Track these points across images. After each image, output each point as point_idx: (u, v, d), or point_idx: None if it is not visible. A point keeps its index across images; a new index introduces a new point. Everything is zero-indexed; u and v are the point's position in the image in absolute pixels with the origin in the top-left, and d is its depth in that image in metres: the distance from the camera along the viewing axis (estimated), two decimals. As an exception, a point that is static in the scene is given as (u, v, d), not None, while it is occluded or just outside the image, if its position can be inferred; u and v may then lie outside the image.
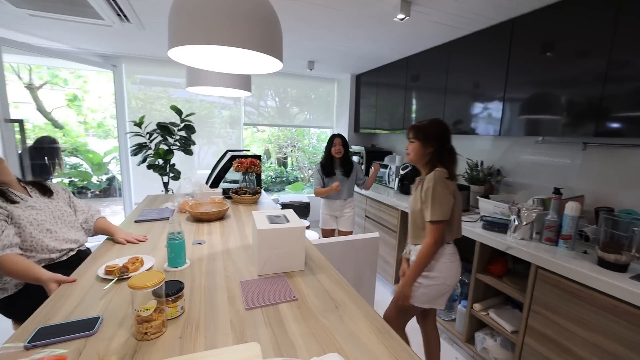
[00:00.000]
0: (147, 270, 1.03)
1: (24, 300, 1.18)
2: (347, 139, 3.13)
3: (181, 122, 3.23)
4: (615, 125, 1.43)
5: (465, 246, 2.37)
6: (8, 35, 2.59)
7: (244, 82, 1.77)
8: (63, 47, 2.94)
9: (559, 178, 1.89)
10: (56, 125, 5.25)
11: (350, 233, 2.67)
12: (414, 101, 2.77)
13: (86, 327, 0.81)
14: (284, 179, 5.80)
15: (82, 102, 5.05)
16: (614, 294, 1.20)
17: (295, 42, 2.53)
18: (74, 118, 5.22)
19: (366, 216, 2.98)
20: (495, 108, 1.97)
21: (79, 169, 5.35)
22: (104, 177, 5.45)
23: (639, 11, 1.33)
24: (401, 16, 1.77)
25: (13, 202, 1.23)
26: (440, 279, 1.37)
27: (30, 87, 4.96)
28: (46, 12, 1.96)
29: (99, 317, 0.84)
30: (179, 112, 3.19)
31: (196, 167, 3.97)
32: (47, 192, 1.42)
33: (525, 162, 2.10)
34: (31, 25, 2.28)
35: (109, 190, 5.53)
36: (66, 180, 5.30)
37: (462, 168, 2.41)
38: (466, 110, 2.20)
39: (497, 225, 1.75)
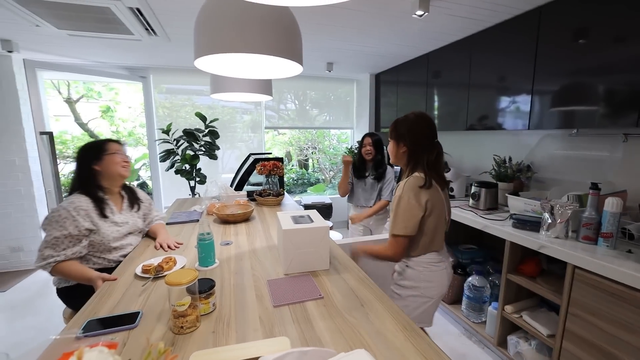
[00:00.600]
0: (181, 268, 1.09)
1: (82, 290, 1.29)
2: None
3: (205, 128, 3.36)
4: (659, 114, 1.33)
5: (493, 246, 2.29)
6: (48, 54, 2.82)
7: (265, 86, 1.82)
8: (97, 63, 3.15)
9: (596, 173, 1.78)
10: (92, 135, 5.61)
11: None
12: (436, 98, 2.71)
13: (129, 320, 0.86)
14: (306, 180, 5.84)
15: (115, 112, 5.37)
16: (663, 295, 1.12)
17: (314, 44, 2.56)
18: (107, 128, 5.57)
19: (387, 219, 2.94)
20: (523, 101, 1.89)
21: (113, 176, 5.68)
22: (135, 183, 5.76)
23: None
24: (420, 12, 1.75)
25: (104, 216, 1.33)
26: (420, 289, 1.22)
27: (69, 101, 5.35)
28: (84, 32, 2.11)
29: (139, 312, 0.90)
30: (203, 118, 3.32)
31: (220, 171, 4.09)
32: (134, 204, 1.53)
33: (558, 156, 1.99)
34: (69, 44, 2.46)
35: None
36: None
37: (488, 165, 2.33)
38: (491, 105, 2.13)
39: (529, 224, 1.67)
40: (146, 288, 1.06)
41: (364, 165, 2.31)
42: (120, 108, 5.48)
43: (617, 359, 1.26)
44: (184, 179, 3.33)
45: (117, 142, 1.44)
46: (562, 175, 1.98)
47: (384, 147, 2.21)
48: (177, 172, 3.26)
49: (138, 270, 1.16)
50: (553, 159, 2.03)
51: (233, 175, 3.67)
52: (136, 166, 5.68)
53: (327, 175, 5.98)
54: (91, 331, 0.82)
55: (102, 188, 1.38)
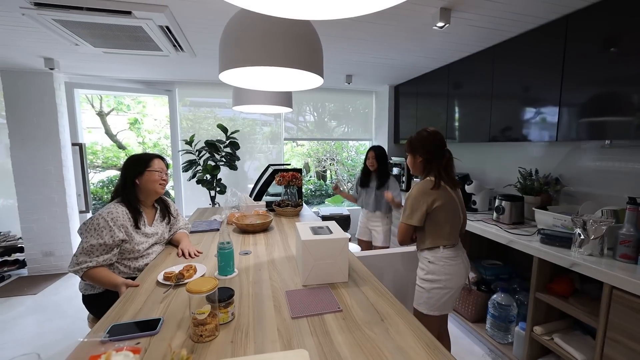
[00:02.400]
0: (201, 277, 1.10)
1: (105, 300, 1.33)
2: (386, 150, 3.21)
3: (227, 139, 3.46)
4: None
5: (519, 262, 2.18)
6: (84, 71, 3.03)
7: (285, 99, 1.86)
8: (127, 78, 3.35)
9: (633, 186, 1.67)
10: (120, 146, 5.92)
11: (385, 248, 2.56)
12: (456, 109, 2.67)
13: (150, 327, 0.88)
14: (324, 192, 5.85)
15: (142, 124, 5.65)
16: None
17: (334, 57, 2.60)
18: (134, 139, 5.85)
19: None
20: (550, 112, 1.82)
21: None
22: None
23: None
24: (440, 24, 1.74)
25: (137, 227, 1.40)
26: (442, 282, 1.41)
27: (101, 114, 5.69)
28: (117, 49, 2.26)
29: (160, 319, 0.92)
30: (224, 130, 3.43)
31: (239, 181, 4.16)
32: (166, 217, 1.61)
33: (590, 169, 1.89)
34: (103, 60, 2.64)
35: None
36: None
37: (513, 177, 2.25)
38: (515, 116, 2.06)
39: (559, 240, 1.58)
40: (167, 295, 1.08)
41: (368, 176, 2.56)
42: (146, 120, 5.77)
43: (665, 391, 1.14)
44: (204, 188, 3.42)
45: (161, 158, 1.52)
46: (594, 189, 1.87)
47: (388, 159, 2.61)
48: (198, 182, 3.35)
49: (160, 278, 1.19)
50: (584, 172, 1.92)
51: (252, 185, 3.74)
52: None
53: (345, 187, 5.96)
54: (115, 335, 0.84)
55: (139, 200, 1.45)
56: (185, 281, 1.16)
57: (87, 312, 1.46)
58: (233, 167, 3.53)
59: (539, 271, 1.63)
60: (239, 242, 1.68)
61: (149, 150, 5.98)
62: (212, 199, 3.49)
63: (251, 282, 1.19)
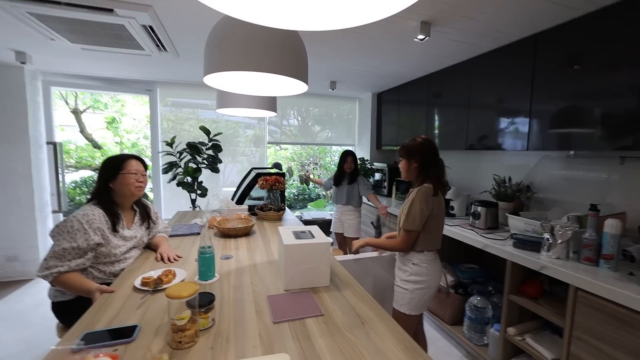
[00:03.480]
0: (181, 282, 1.08)
1: (77, 307, 1.27)
2: (368, 155, 3.81)
3: (209, 142, 3.40)
4: (655, 138, 1.36)
5: (494, 266, 2.28)
6: (59, 67, 2.90)
7: (270, 103, 1.86)
8: (106, 76, 3.24)
9: (595, 194, 1.79)
10: (95, 145, 5.68)
11: (356, 239, 2.78)
12: (436, 117, 2.76)
13: (126, 334, 0.85)
14: (306, 196, 5.84)
15: (120, 124, 5.45)
16: (667, 320, 1.10)
17: (319, 64, 2.64)
18: (112, 139, 5.63)
19: (389, 233, 2.93)
20: (522, 122, 1.93)
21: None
22: (136, 194, 5.75)
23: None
24: (421, 37, 1.82)
25: (115, 230, 1.35)
26: (425, 282, 1.48)
27: (76, 112, 5.45)
28: (97, 46, 2.19)
29: (136, 326, 0.89)
30: (207, 132, 3.37)
31: (221, 184, 4.10)
32: (146, 221, 1.55)
33: (557, 177, 2.01)
34: (81, 57, 2.54)
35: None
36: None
37: (488, 184, 2.35)
38: (491, 125, 2.17)
39: (530, 244, 1.67)
40: (145, 301, 1.05)
41: (342, 176, 2.93)
42: (125, 119, 5.57)
43: (623, 386, 1.22)
44: (184, 191, 3.34)
45: (138, 159, 1.46)
46: (561, 196, 1.99)
47: (357, 162, 3.00)
48: (179, 184, 3.27)
49: (137, 283, 1.15)
50: (552, 180, 2.05)
51: (234, 188, 3.69)
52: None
53: (327, 192, 5.99)
54: (89, 344, 0.80)
55: (116, 203, 1.40)
56: (164, 286, 1.13)
57: (55, 321, 1.39)
58: (215, 170, 3.46)
59: (512, 274, 1.71)
60: (220, 246, 1.65)
61: (127, 151, 5.77)
62: (193, 202, 3.41)
63: (232, 287, 1.17)
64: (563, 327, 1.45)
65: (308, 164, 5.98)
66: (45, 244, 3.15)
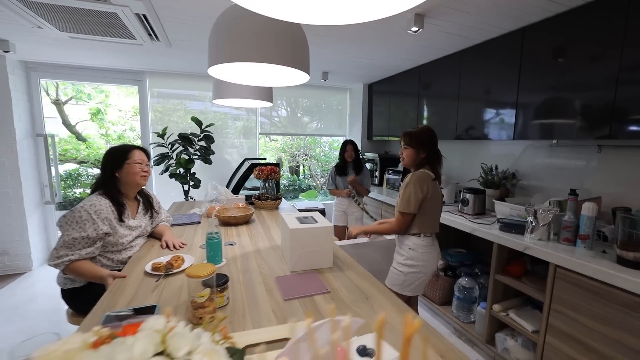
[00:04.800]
0: (199, 263, 1.12)
1: (87, 293, 1.30)
2: (360, 146, 3.80)
3: (201, 133, 3.39)
4: (629, 127, 1.48)
5: (480, 249, 2.41)
6: (44, 56, 2.81)
7: (266, 93, 1.89)
8: (93, 65, 3.15)
9: (574, 180, 1.93)
10: (79, 138, 5.51)
11: None
12: (426, 108, 2.85)
13: (146, 313, 0.90)
14: (297, 187, 5.90)
15: (105, 115, 5.30)
16: (635, 290, 1.23)
17: (313, 54, 2.65)
18: (97, 131, 5.48)
19: (382, 221, 3.03)
20: (508, 113, 2.04)
21: (100, 180, 5.58)
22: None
23: (646, 19, 1.40)
24: (415, 29, 1.87)
25: (121, 220, 1.37)
26: (419, 267, 1.56)
27: (57, 102, 5.25)
28: (86, 35, 2.14)
29: (156, 305, 0.94)
30: (199, 123, 3.35)
31: (210, 175, 4.07)
32: (149, 210, 1.58)
33: (540, 165, 2.14)
34: (68, 46, 2.47)
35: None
36: (88, 191, 5.53)
37: (476, 172, 2.47)
38: (479, 116, 2.27)
39: (514, 227, 1.79)
40: (159, 284, 1.09)
41: (345, 165, 2.95)
42: (110, 111, 5.42)
43: (596, 350, 1.37)
44: (175, 182, 3.33)
45: (142, 150, 1.49)
46: (544, 183, 2.12)
47: (359, 151, 3.02)
48: (171, 175, 3.26)
49: (148, 268, 1.19)
50: (536, 168, 2.17)
51: (224, 179, 3.70)
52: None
53: (318, 182, 6.06)
54: (110, 323, 0.85)
55: (121, 193, 1.41)
56: (175, 270, 1.18)
57: (51, 313, 1.41)
58: (207, 161, 3.46)
59: (498, 255, 1.83)
60: (222, 234, 1.69)
61: (113, 143, 5.62)
62: (186, 193, 3.41)
63: (240, 271, 1.23)
64: (543, 301, 1.58)
65: (298, 155, 6.01)
66: (35, 237, 3.10)
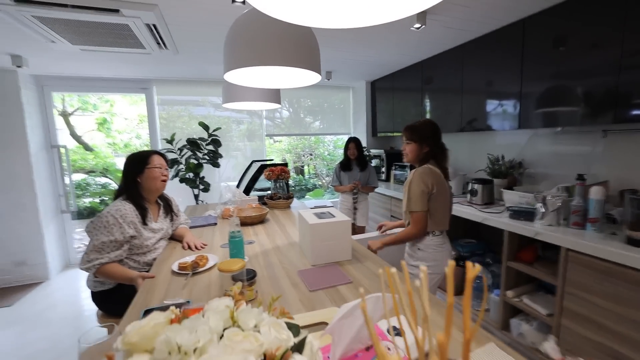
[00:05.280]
0: (228, 260, 1.18)
1: (117, 295, 1.35)
2: (365, 142, 3.81)
3: (209, 137, 3.45)
4: (633, 111, 1.51)
5: (489, 239, 2.45)
6: (53, 67, 2.88)
7: (274, 95, 1.94)
8: (101, 75, 3.22)
9: (581, 166, 1.96)
10: (87, 148, 5.60)
11: (364, 228, 3.06)
12: (430, 102, 2.89)
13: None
14: (303, 186, 5.95)
15: (111, 124, 5.38)
16: (646, 269, 1.27)
17: (315, 55, 2.70)
18: (103, 140, 5.56)
19: (392, 216, 3.07)
20: (512, 104, 2.07)
21: (109, 188, 5.67)
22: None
23: (645, 5, 1.43)
24: (417, 25, 1.91)
25: (145, 223, 1.43)
26: (431, 268, 1.49)
27: (64, 114, 5.34)
28: (97, 47, 2.20)
29: (189, 301, 0.99)
30: (206, 127, 3.41)
31: (217, 180, 4.12)
32: (169, 213, 1.64)
33: (546, 152, 2.18)
34: (79, 58, 2.53)
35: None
36: (97, 200, 5.62)
37: (482, 163, 2.50)
38: (483, 107, 2.31)
39: (524, 214, 1.83)
40: (187, 282, 1.15)
41: (349, 162, 3.02)
42: (115, 120, 5.50)
43: (610, 329, 1.40)
44: (186, 187, 3.39)
45: (161, 155, 1.54)
46: (550, 170, 2.15)
47: (362, 148, 3.06)
48: (181, 180, 3.32)
49: (175, 267, 1.25)
50: (541, 156, 2.21)
51: (231, 183, 3.76)
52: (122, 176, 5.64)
53: (323, 181, 6.10)
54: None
55: (143, 197, 1.47)
56: (201, 269, 1.23)
57: (72, 319, 1.48)
58: (216, 165, 3.53)
59: (509, 243, 1.87)
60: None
61: (120, 152, 5.70)
62: (196, 197, 3.47)
63: (263, 266, 1.28)
64: (556, 285, 1.62)
65: (304, 155, 6.06)
66: (52, 246, 3.18)
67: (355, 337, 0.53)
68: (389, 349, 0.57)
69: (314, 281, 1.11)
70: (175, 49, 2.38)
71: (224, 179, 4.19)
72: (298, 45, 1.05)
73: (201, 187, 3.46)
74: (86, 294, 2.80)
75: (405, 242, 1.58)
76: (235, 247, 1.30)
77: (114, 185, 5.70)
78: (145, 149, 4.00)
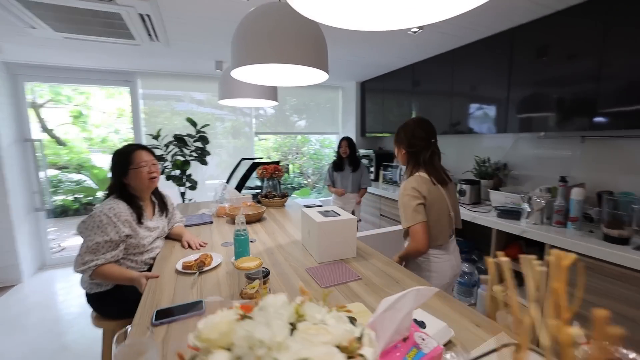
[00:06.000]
0: (245, 257, 1.16)
1: (115, 296, 1.30)
2: (354, 142, 3.67)
3: (197, 134, 3.36)
4: (609, 119, 1.65)
5: (475, 238, 2.57)
6: (29, 55, 2.69)
7: (272, 92, 1.93)
8: (82, 66, 3.05)
9: (561, 169, 2.10)
10: (59, 142, 5.27)
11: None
12: (419, 105, 2.97)
13: (195, 308, 0.93)
14: (288, 185, 5.92)
15: (88, 118, 5.09)
16: (621, 263, 1.40)
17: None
18: (78, 134, 5.25)
19: (381, 215, 3.14)
20: (500, 109, 2.18)
21: (83, 185, 5.37)
22: (109, 192, 5.43)
23: (626, 17, 1.55)
24: (415, 29, 1.97)
25: (140, 222, 1.37)
26: (432, 279, 1.35)
27: (34, 106, 4.99)
28: (83, 35, 2.08)
29: (201, 301, 0.97)
30: (193, 123, 3.32)
31: (200, 177, 4.01)
32: (164, 210, 1.58)
33: (529, 156, 2.31)
34: (60, 47, 2.39)
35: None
36: (70, 197, 5.30)
37: (469, 165, 2.62)
38: (471, 112, 2.41)
39: (511, 213, 1.94)
40: (195, 281, 1.13)
41: (341, 161, 3.07)
42: (92, 113, 5.21)
43: (589, 320, 1.52)
44: (172, 184, 3.28)
45: (146, 149, 1.45)
46: (532, 172, 2.29)
47: (355, 148, 3.13)
48: (168, 178, 3.22)
49: (179, 267, 1.22)
50: (525, 158, 2.34)
51: (216, 181, 3.70)
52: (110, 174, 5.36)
53: (308, 180, 6.11)
54: (162, 319, 0.88)
55: (135, 196, 1.41)
56: (206, 268, 1.21)
57: (51, 323, 1.40)
58: (203, 162, 3.44)
59: (497, 240, 1.97)
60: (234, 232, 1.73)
61: (96, 147, 5.39)
62: (182, 195, 3.37)
63: (270, 265, 1.28)
64: (541, 279, 1.73)
65: (290, 154, 6.04)
66: (25, 247, 2.97)
67: (396, 330, 0.55)
68: (422, 339, 0.60)
69: (325, 278, 1.13)
70: (166, 41, 2.31)
71: (207, 177, 4.09)
72: (315, 44, 1.06)
73: (188, 184, 3.36)
74: (65, 297, 2.65)
75: (412, 258, 1.39)
76: (241, 245, 1.29)
77: (89, 183, 5.41)
78: (124, 144, 3.83)
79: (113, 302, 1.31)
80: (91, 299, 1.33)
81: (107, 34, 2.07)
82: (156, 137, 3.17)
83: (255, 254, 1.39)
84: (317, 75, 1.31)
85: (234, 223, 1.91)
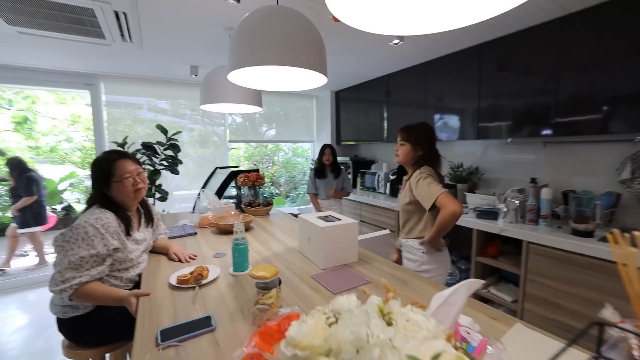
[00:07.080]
0: (260, 265, 1.09)
1: (95, 320, 1.14)
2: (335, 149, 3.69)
3: (167, 141, 3.16)
4: (567, 127, 1.85)
5: (453, 238, 2.70)
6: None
7: (256, 98, 1.88)
8: (36, 66, 2.74)
9: (527, 171, 2.30)
10: (-3, 152, 4.64)
11: None
12: (394, 115, 3.10)
13: (204, 324, 0.86)
14: (260, 194, 5.78)
15: (35, 124, 4.56)
16: (589, 253, 1.55)
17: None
18: (22, 143, 4.67)
19: (362, 220, 3.18)
20: (471, 117, 2.35)
21: (27, 200, 4.75)
22: (59, 207, 4.88)
23: (576, 37, 1.77)
24: (396, 41, 2.07)
25: (128, 234, 1.24)
26: (435, 270, 1.48)
27: (-35, 110, 4.37)
28: (42, 31, 1.88)
29: (210, 316, 0.90)
30: (164, 131, 3.12)
31: (166, 188, 3.77)
32: (150, 221, 1.44)
33: (498, 160, 2.51)
34: (10, 42, 2.13)
35: (67, 221, 4.96)
36: (9, 214, 4.66)
37: (445, 170, 2.76)
38: (445, 120, 2.57)
39: (489, 214, 2.07)
40: (196, 296, 1.04)
41: (324, 168, 3.05)
42: (38, 119, 4.67)
43: (564, 307, 1.66)
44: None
45: (130, 158, 1.30)
46: (502, 175, 2.48)
47: (336, 156, 3.12)
48: (135, 188, 2.96)
49: (173, 281, 1.12)
50: (494, 163, 2.54)
51: (183, 192, 3.53)
52: (60, 187, 4.84)
53: (281, 190, 6.02)
54: (168, 339, 0.79)
55: (121, 206, 1.27)
56: (205, 281, 1.12)
57: (19, 347, 1.20)
58: (175, 172, 3.23)
59: (477, 240, 2.09)
60: (223, 242, 1.64)
61: (43, 157, 4.82)
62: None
63: (271, 274, 1.22)
64: (519, 274, 1.86)
65: (262, 163, 5.92)
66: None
67: (450, 325, 0.55)
68: (468, 332, 0.61)
69: (334, 284, 1.10)
70: (140, 42, 2.17)
71: (174, 188, 3.86)
72: (320, 48, 1.06)
73: (157, 195, 3.13)
74: (5, 328, 2.28)
75: (448, 228, 1.38)
76: (241, 255, 1.23)
77: (33, 197, 4.80)
78: (78, 153, 3.48)
79: (94, 327, 1.15)
80: (64, 325, 1.16)
81: (75, 31, 1.89)
82: (122, 146, 2.93)
83: (252, 263, 1.32)
84: (315, 80, 1.31)
85: (220, 233, 1.81)
